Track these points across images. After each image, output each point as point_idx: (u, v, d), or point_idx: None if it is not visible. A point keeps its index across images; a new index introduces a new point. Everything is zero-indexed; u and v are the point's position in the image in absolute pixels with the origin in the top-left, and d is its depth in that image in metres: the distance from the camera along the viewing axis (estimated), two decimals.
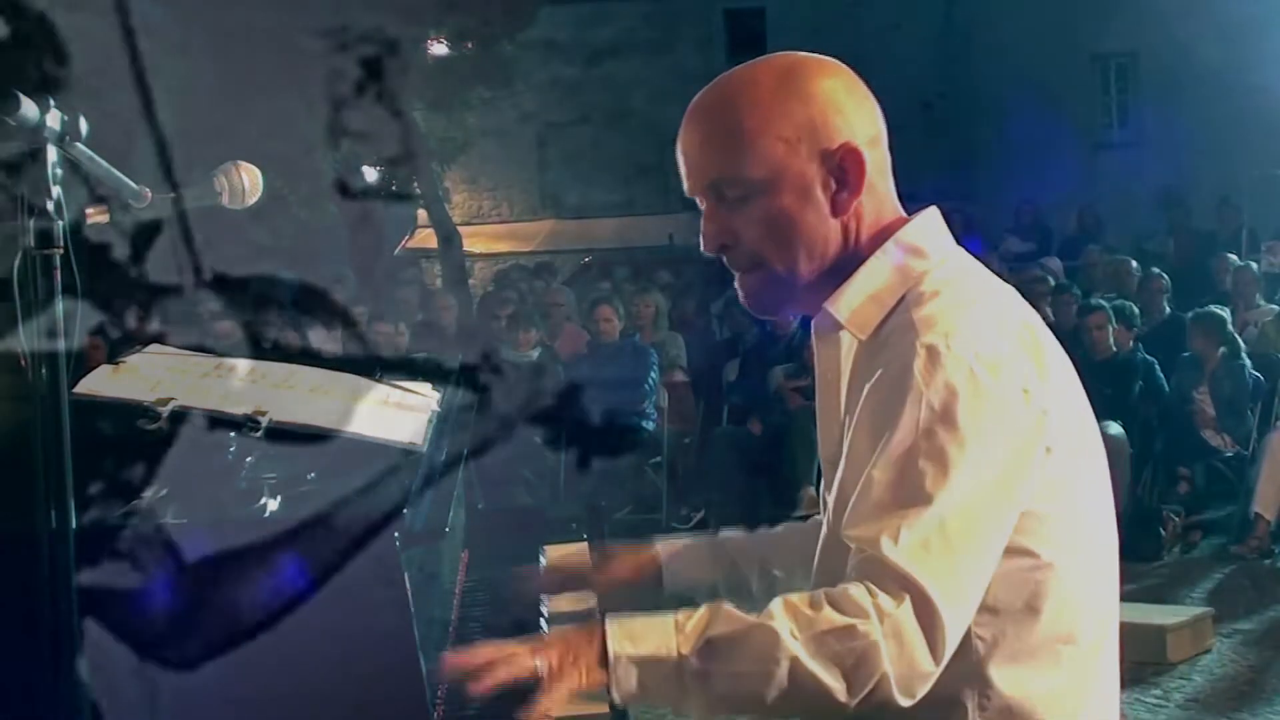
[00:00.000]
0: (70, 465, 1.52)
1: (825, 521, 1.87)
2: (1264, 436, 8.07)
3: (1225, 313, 8.94)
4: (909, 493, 1.63)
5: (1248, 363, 8.48)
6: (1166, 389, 8.45)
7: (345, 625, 1.77)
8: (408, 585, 1.79)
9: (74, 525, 1.53)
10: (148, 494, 1.86)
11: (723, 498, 8.66)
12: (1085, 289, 10.21)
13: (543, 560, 2.62)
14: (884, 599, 1.60)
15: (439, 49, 15.87)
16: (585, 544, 2.73)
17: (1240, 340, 8.69)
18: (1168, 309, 9.68)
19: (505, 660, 1.63)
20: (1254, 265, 10.27)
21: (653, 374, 9.01)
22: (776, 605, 1.62)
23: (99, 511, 1.77)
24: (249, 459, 1.97)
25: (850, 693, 1.59)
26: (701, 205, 1.86)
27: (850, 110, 1.80)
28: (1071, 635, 1.76)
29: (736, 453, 8.87)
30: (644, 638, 1.63)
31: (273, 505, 1.85)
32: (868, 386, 1.73)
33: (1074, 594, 1.76)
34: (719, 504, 8.66)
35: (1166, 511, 8.01)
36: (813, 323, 1.89)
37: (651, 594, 2.20)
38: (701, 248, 1.86)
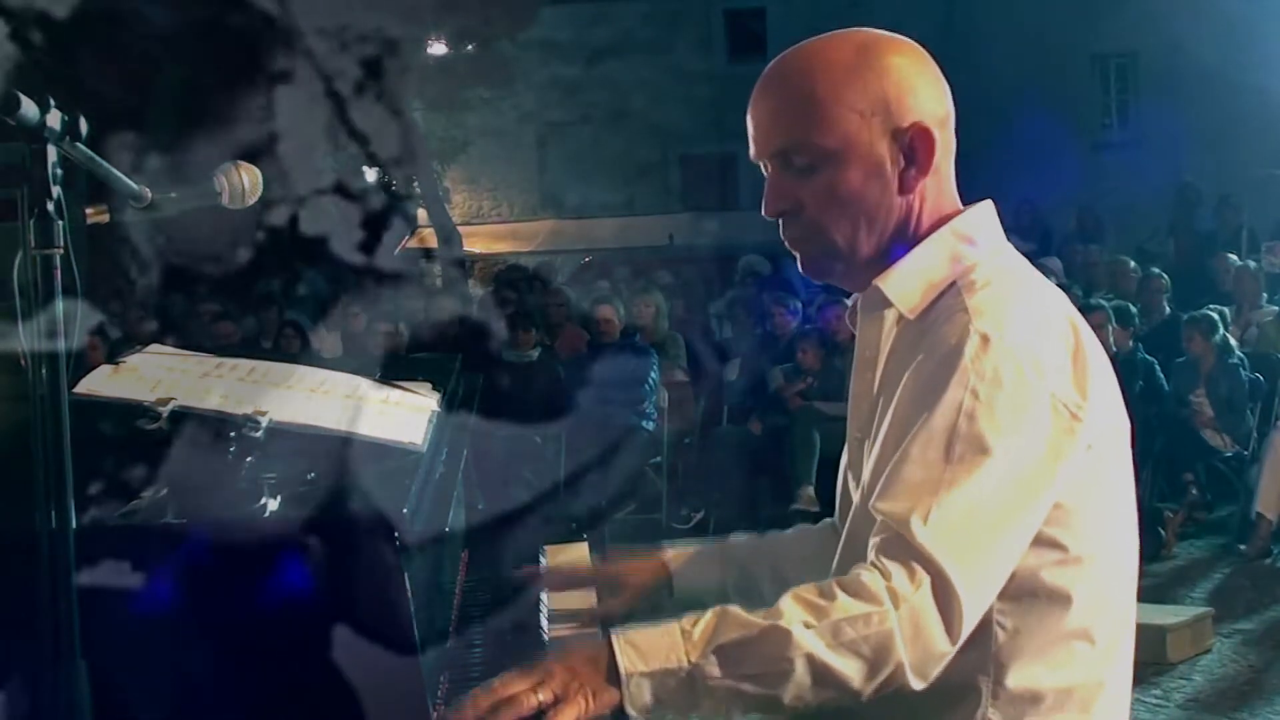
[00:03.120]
0: (70, 465, 1.52)
1: (855, 498, 1.88)
2: (1264, 436, 8.08)
3: (1222, 313, 8.93)
4: (943, 474, 1.63)
5: (1244, 360, 8.48)
6: (1166, 389, 8.46)
7: (345, 625, 1.77)
8: (408, 585, 1.79)
9: (74, 525, 1.53)
10: (148, 494, 1.86)
11: (723, 498, 8.67)
12: (1085, 289, 10.21)
13: (543, 560, 2.62)
14: (899, 581, 1.60)
15: (439, 49, 15.87)
16: (585, 544, 2.73)
17: (1234, 341, 8.69)
18: (1168, 309, 9.68)
19: (508, 703, 1.61)
20: (1251, 265, 10.25)
21: (653, 374, 9.01)
22: (786, 601, 1.61)
23: (99, 511, 1.77)
24: (249, 459, 1.97)
25: (866, 679, 1.59)
26: (766, 171, 1.86)
27: (923, 89, 1.81)
28: (1089, 632, 1.77)
29: (736, 453, 8.87)
30: (653, 651, 1.62)
31: (273, 505, 1.84)
32: (911, 367, 1.74)
33: (1096, 591, 1.77)
34: (719, 504, 8.66)
35: (1166, 511, 8.03)
36: (860, 298, 1.90)
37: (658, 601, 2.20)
38: (764, 211, 1.86)
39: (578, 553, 2.70)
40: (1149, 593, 6.83)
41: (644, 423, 8.89)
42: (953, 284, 1.80)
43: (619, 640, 1.63)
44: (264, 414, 2.05)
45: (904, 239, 1.83)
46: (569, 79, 21.08)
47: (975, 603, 1.63)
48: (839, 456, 2.04)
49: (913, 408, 1.70)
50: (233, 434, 2.00)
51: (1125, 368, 8.21)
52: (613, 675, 1.61)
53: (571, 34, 20.81)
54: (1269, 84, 14.74)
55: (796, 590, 1.63)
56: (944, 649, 1.61)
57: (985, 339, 1.68)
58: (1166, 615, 6.17)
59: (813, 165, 1.80)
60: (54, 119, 1.53)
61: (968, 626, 1.62)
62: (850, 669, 1.58)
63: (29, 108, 1.50)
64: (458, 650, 2.21)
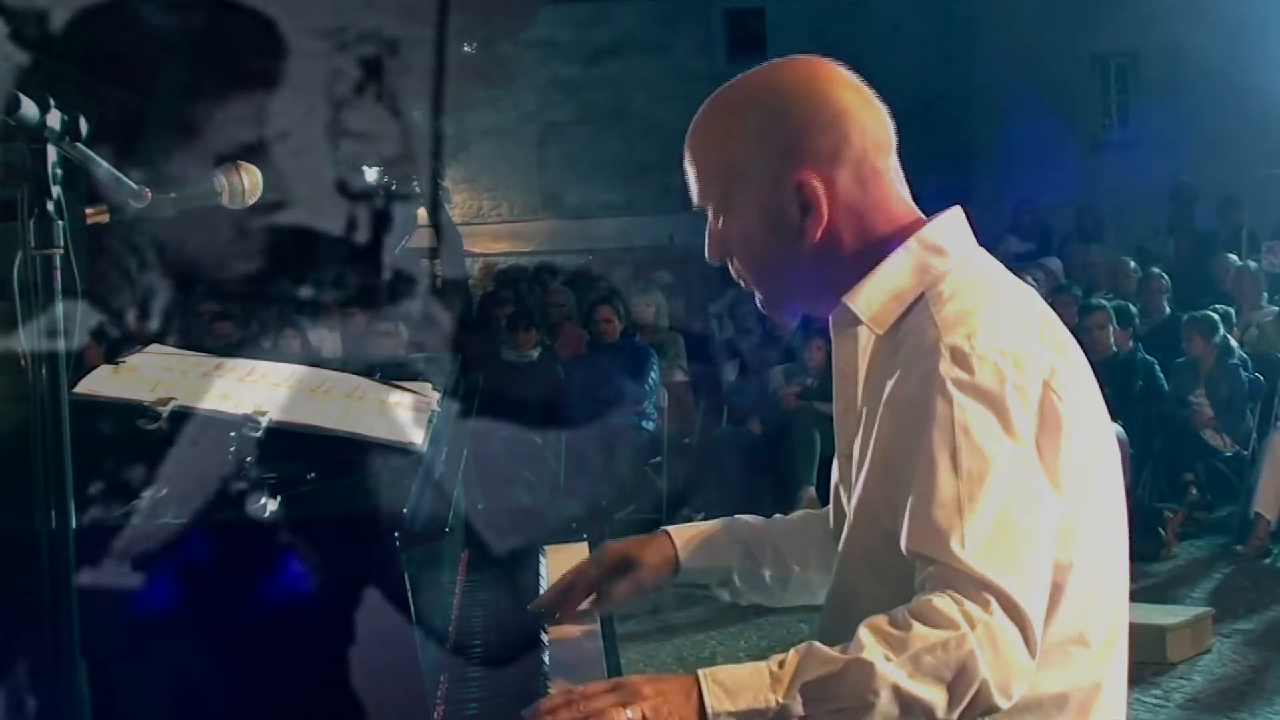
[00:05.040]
0: (70, 465, 1.52)
1: (848, 513, 1.88)
2: (1264, 437, 8.08)
3: (1226, 314, 8.93)
4: (960, 496, 1.63)
5: (1245, 360, 8.49)
6: (1166, 389, 8.46)
7: (345, 625, 1.77)
8: (408, 585, 1.79)
9: (74, 525, 1.53)
10: (148, 494, 1.86)
11: (723, 498, 8.66)
12: (1085, 289, 10.21)
13: (543, 560, 2.62)
14: (970, 606, 1.59)
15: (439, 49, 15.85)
16: (585, 544, 2.73)
17: (1234, 341, 8.69)
18: (1168, 309, 9.67)
19: (594, 715, 1.59)
20: (1251, 265, 10.25)
21: (653, 374, 9.02)
22: (864, 634, 1.60)
23: (99, 511, 1.77)
24: (249, 459, 1.97)
25: (951, 705, 1.58)
26: None
27: (810, 135, 1.82)
28: (1083, 636, 1.77)
29: (736, 453, 8.87)
30: (740, 691, 1.60)
31: (273, 505, 1.84)
32: (889, 385, 1.75)
33: (1088, 594, 1.76)
34: (719, 504, 8.66)
35: (1166, 511, 8.03)
36: (831, 316, 1.91)
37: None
38: (706, 256, 1.94)
39: (577, 553, 2.70)
40: (1149, 593, 6.83)
41: (644, 423, 8.90)
42: (921, 296, 1.81)
43: (705, 679, 1.61)
44: (264, 414, 2.05)
45: (832, 271, 1.85)
46: (569, 79, 21.07)
47: (1038, 609, 1.62)
48: None
49: (904, 435, 1.70)
50: (233, 434, 2.00)
51: (1125, 368, 8.22)
52: (701, 711, 1.59)
53: (571, 34, 20.79)
54: (1269, 84, 14.71)
55: (870, 621, 1.61)
56: (1025, 663, 1.60)
57: (957, 351, 1.69)
58: (1166, 615, 6.17)
59: (718, 216, 1.89)
60: (54, 119, 1.53)
61: (1039, 635, 1.62)
62: (934, 695, 1.57)
63: (29, 108, 1.50)
64: (458, 650, 2.21)
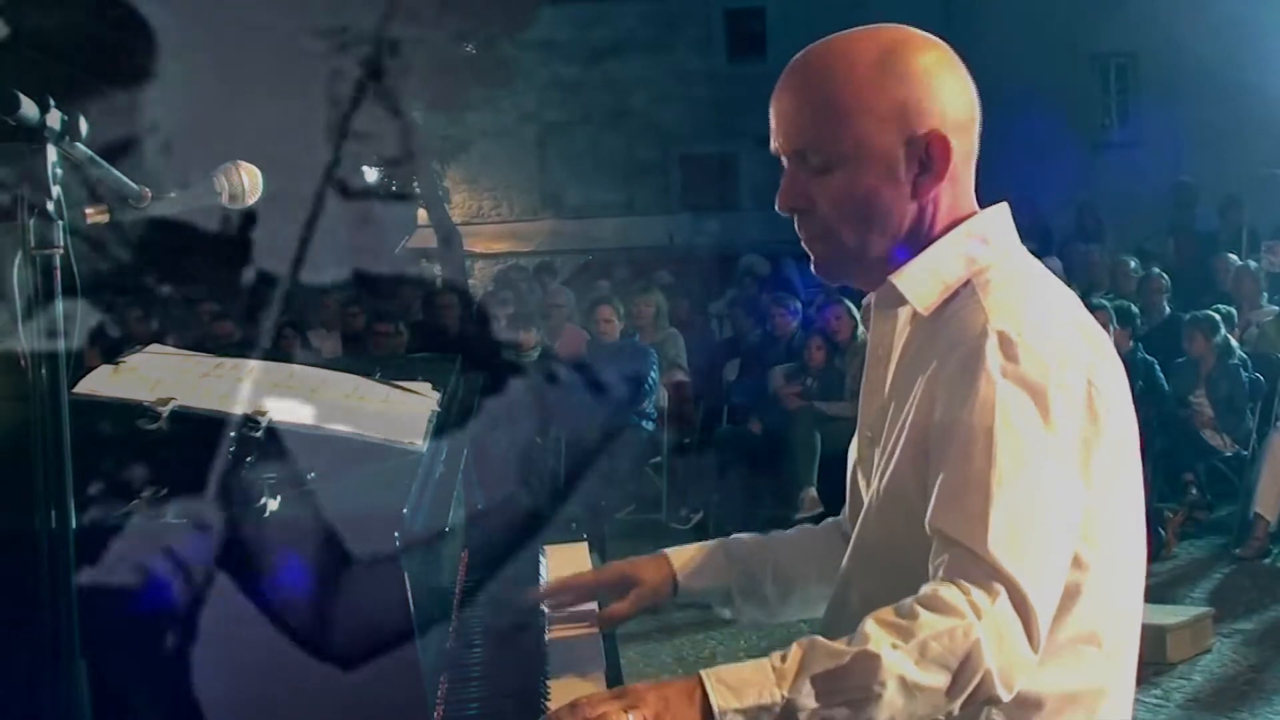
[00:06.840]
0: (70, 465, 1.52)
1: (865, 496, 1.88)
2: (1264, 437, 8.07)
3: (1229, 314, 8.93)
4: (989, 480, 1.63)
5: (1245, 360, 8.48)
6: (1166, 389, 8.46)
7: (345, 625, 1.77)
8: (408, 585, 1.79)
9: (74, 525, 1.52)
10: (147, 494, 1.86)
11: (723, 498, 8.67)
12: (1085, 289, 10.21)
13: (543, 560, 2.62)
14: (978, 595, 1.59)
15: (439, 49, 15.88)
16: (585, 544, 2.73)
17: (1235, 341, 8.69)
18: (1168, 309, 9.68)
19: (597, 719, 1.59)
20: (1252, 265, 10.25)
21: (653, 374, 9.02)
22: (870, 626, 1.60)
23: (99, 511, 1.77)
24: (249, 459, 1.97)
25: (954, 693, 1.58)
26: (783, 164, 1.86)
27: (944, 95, 1.81)
28: (1096, 636, 1.77)
29: (736, 453, 8.87)
30: (745, 688, 1.59)
31: (273, 505, 1.84)
32: (930, 367, 1.74)
33: (1104, 594, 1.76)
34: (719, 504, 8.66)
35: (1166, 511, 8.03)
36: (874, 295, 1.90)
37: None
38: (776, 205, 1.87)
39: (577, 553, 2.70)
40: (1149, 593, 6.74)
41: (644, 423, 8.90)
42: (967, 283, 1.80)
43: (709, 679, 1.60)
44: (264, 414, 2.05)
45: (916, 242, 1.83)
46: (569, 79, 21.08)
47: (1047, 606, 1.63)
48: (840, 456, 2.04)
49: (943, 414, 1.69)
50: (233, 434, 2.00)
51: (1125, 368, 8.19)
52: (706, 712, 1.58)
53: (571, 34, 20.80)
54: (1269, 84, 14.72)
55: (876, 613, 1.61)
56: (1028, 657, 1.60)
57: (1005, 339, 1.68)
58: (1166, 615, 6.16)
59: (827, 166, 1.81)
60: (54, 119, 1.53)
61: (1044, 632, 1.62)
62: (940, 682, 1.57)
63: (29, 108, 1.50)
64: (458, 650, 2.21)
